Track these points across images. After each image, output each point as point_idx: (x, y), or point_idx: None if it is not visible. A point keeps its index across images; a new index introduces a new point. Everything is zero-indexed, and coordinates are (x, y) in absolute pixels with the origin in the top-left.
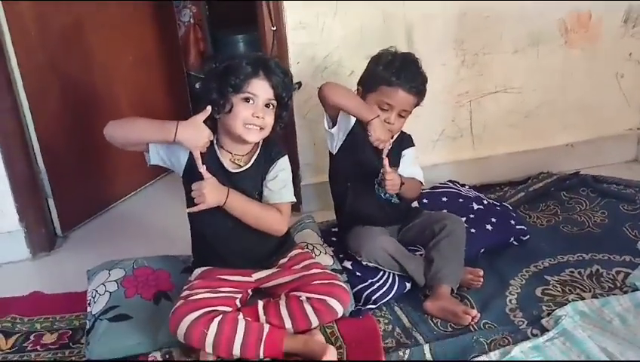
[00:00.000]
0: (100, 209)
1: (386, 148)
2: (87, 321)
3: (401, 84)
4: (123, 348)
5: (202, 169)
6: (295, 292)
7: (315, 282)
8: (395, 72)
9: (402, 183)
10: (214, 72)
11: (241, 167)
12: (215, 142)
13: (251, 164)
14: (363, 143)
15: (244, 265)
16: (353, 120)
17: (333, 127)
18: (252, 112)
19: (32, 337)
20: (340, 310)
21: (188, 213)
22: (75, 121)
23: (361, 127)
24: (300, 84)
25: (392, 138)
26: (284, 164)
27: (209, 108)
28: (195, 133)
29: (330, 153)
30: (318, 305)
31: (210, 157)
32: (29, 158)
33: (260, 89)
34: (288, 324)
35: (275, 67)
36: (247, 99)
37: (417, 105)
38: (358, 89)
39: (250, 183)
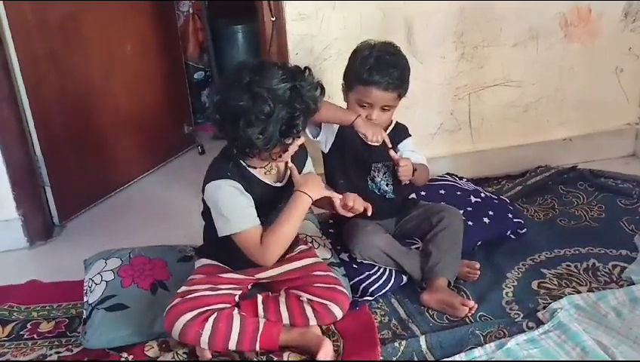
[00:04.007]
0: (97, 198)
1: (385, 139)
2: (84, 310)
3: (374, 82)
4: (120, 337)
5: (336, 198)
6: (296, 291)
7: (317, 284)
8: (368, 70)
9: (414, 169)
10: (270, 124)
11: (281, 178)
12: (246, 165)
13: (288, 175)
14: (352, 141)
15: (257, 264)
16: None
17: (317, 135)
18: (297, 145)
19: (28, 325)
20: (339, 315)
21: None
22: (73, 110)
23: (347, 126)
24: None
25: (385, 132)
26: (309, 160)
27: (292, 167)
28: (316, 187)
29: (323, 152)
30: (319, 308)
31: (253, 184)
32: (27, 147)
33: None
34: (286, 321)
35: (315, 94)
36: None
37: (401, 97)
38: (342, 83)
39: (291, 189)
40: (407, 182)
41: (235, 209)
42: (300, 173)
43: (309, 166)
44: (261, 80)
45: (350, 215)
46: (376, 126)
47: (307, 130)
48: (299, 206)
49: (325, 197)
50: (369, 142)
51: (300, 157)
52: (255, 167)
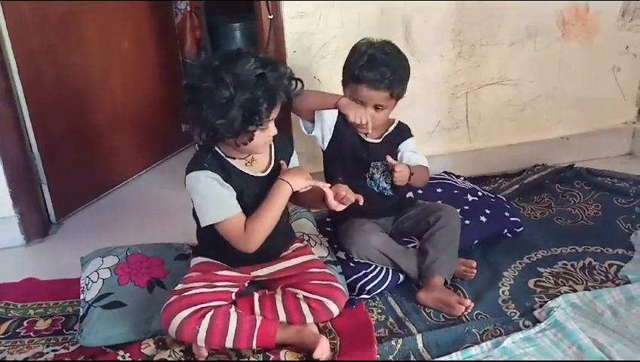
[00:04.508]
0: (94, 196)
1: (368, 121)
2: (81, 308)
3: (364, 81)
4: (116, 335)
5: (324, 186)
6: (292, 289)
7: (313, 281)
8: (360, 68)
9: (411, 173)
10: (231, 109)
11: (264, 169)
12: (225, 155)
13: (273, 164)
14: (350, 139)
15: (252, 262)
16: (333, 118)
17: (312, 130)
18: (268, 135)
19: (25, 323)
20: (335, 312)
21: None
22: (70, 107)
23: (345, 122)
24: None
25: (386, 130)
26: (295, 155)
27: (282, 163)
28: (298, 178)
29: (322, 149)
30: (316, 305)
31: (233, 174)
32: (23, 144)
33: (275, 113)
34: (283, 319)
35: (285, 84)
36: (264, 129)
37: (396, 97)
38: (342, 81)
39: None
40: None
41: (214, 198)
42: (287, 161)
43: (294, 161)
44: (228, 65)
45: (342, 207)
46: (361, 107)
47: (301, 125)
48: (280, 194)
49: (318, 193)
50: (352, 123)
51: (284, 151)
52: (234, 158)
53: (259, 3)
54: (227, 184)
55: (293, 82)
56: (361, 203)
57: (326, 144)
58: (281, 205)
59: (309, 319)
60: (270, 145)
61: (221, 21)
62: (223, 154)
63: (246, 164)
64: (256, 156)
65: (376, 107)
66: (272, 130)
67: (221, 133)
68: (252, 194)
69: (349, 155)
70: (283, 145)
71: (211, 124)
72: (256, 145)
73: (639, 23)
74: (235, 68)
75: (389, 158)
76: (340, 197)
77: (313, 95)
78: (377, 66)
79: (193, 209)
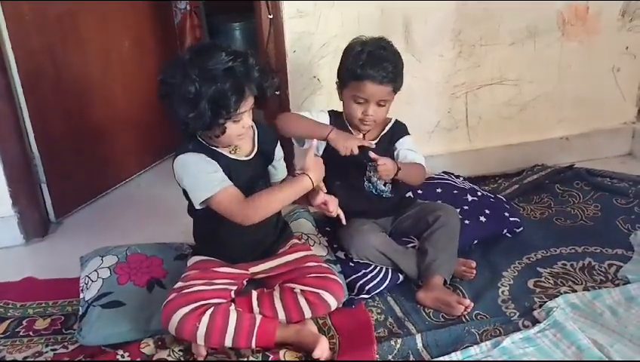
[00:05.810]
0: (94, 195)
1: (364, 144)
2: (80, 307)
3: (368, 77)
4: (116, 334)
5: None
6: (289, 284)
7: (310, 275)
8: (362, 66)
9: (399, 169)
10: (199, 103)
11: (249, 153)
12: (208, 145)
13: (256, 151)
14: None
15: (249, 257)
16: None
17: (303, 143)
18: (242, 127)
19: (24, 322)
20: (333, 304)
21: (201, 208)
22: (70, 107)
23: (338, 127)
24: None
25: (383, 130)
26: (279, 145)
27: (314, 142)
28: (319, 175)
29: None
30: (313, 298)
31: (219, 157)
32: (23, 143)
33: (246, 106)
34: (281, 316)
35: (255, 77)
36: (237, 120)
37: (395, 91)
38: (336, 82)
39: (262, 165)
40: (391, 181)
41: (204, 175)
42: (270, 158)
43: (278, 151)
44: (197, 60)
45: (330, 213)
46: (349, 139)
47: (293, 140)
48: (301, 186)
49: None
50: (342, 154)
51: (267, 139)
52: (218, 147)
53: (259, 3)
54: (214, 161)
55: (267, 75)
56: (344, 223)
57: (321, 151)
58: (295, 195)
59: (308, 314)
60: (254, 132)
61: (221, 21)
62: (205, 144)
63: (230, 152)
64: (239, 144)
65: (379, 103)
66: (245, 121)
67: (192, 126)
68: (240, 177)
69: (345, 159)
70: (266, 133)
71: (183, 118)
72: (230, 136)
73: (639, 23)
74: (204, 62)
75: (372, 153)
76: (322, 207)
77: (301, 124)
78: (379, 62)
79: (187, 206)
